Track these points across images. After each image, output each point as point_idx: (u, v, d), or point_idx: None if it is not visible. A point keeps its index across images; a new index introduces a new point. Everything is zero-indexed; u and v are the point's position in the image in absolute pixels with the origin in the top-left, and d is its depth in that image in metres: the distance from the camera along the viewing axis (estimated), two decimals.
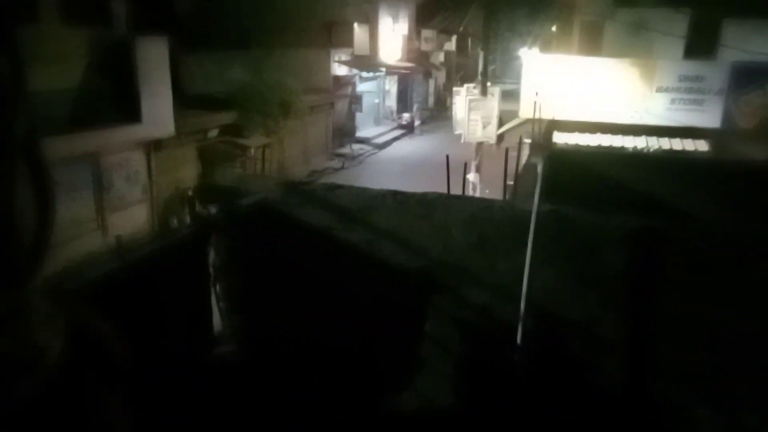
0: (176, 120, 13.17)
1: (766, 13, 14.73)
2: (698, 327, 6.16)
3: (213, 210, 7.04)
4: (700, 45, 15.81)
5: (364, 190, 6.71)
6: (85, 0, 11.58)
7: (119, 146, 12.13)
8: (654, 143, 14.39)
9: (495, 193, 14.33)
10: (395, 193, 6.58)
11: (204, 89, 15.74)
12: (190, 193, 13.80)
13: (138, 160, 12.77)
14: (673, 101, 14.70)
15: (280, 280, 6.24)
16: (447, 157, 12.42)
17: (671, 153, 13.86)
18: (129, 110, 12.08)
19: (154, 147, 13.01)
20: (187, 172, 14.44)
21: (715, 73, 14.48)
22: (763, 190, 9.18)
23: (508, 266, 5.92)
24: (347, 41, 24.97)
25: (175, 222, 13.36)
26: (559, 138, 14.74)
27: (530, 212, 5.41)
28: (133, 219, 12.70)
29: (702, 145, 14.30)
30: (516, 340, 5.81)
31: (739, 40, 14.88)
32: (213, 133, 15.37)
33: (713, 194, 9.13)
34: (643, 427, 6.17)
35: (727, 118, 14.48)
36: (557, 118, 15.09)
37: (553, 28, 26.87)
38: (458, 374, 6.27)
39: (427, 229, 6.22)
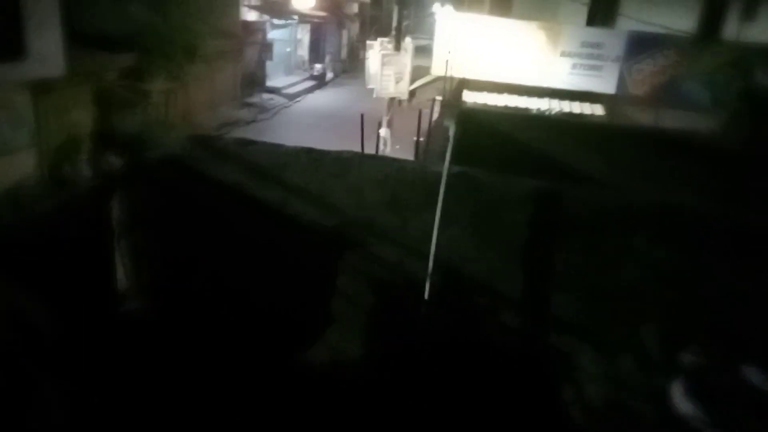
0: (69, 60, 12.06)
1: None
2: (587, 282, 6.70)
3: (114, 160, 6.64)
4: (602, 13, 16.59)
5: (278, 147, 6.59)
6: None
7: None
8: (556, 106, 15.11)
9: (405, 149, 14.54)
10: (310, 151, 6.53)
11: (101, 28, 14.47)
12: (84, 139, 12.82)
13: (23, 102, 11.62)
14: (574, 66, 15.42)
15: (190, 237, 6.06)
16: (362, 116, 12.41)
17: (570, 116, 14.64)
18: (9, 45, 10.90)
19: (43, 88, 11.89)
20: (82, 117, 13.36)
21: (613, 41, 15.30)
22: (648, 153, 10.01)
23: (419, 225, 6.10)
24: None
25: (69, 170, 12.43)
26: (469, 97, 15.10)
27: (440, 174, 5.57)
28: (18, 166, 11.65)
29: (598, 110, 15.22)
30: (424, 295, 6.06)
31: (636, 10, 15.76)
32: (111, 76, 14.25)
33: (606, 156, 9.83)
34: (537, 375, 6.72)
35: (621, 84, 15.43)
36: (468, 77, 15.39)
37: None
38: (368, 328, 6.47)
39: (341, 188, 6.24)
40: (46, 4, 11.45)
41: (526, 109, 14.81)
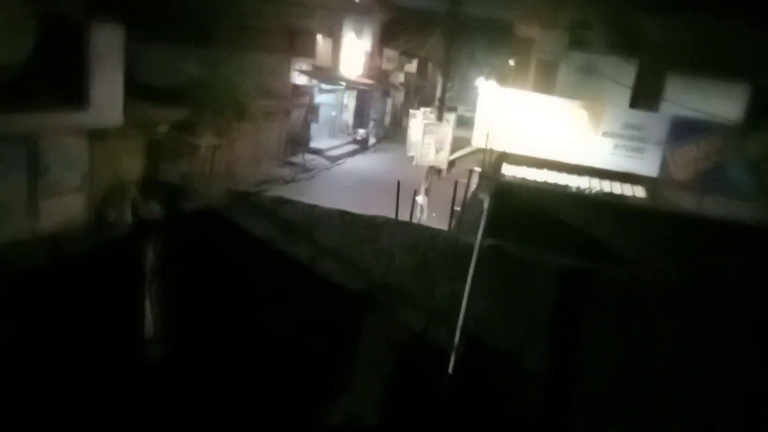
0: (125, 110, 12.72)
1: (704, 72, 15.72)
2: (615, 365, 6.42)
3: (155, 208, 6.85)
4: (645, 96, 16.69)
5: (312, 207, 6.71)
6: None
7: (60, 131, 11.61)
8: (596, 185, 15.00)
9: (442, 217, 14.55)
10: (343, 213, 6.61)
11: (158, 82, 15.31)
12: (131, 187, 13.33)
13: (79, 147, 12.25)
14: (616, 146, 15.42)
15: (218, 288, 6.11)
16: (398, 183, 12.56)
17: (610, 196, 14.48)
18: (76, 95, 11.60)
19: (98, 135, 12.52)
20: (132, 165, 13.94)
21: (656, 124, 15.30)
22: (689, 239, 9.73)
23: (446, 294, 6.01)
24: (310, 51, 24.91)
25: (113, 215, 12.85)
26: (508, 170, 15.16)
27: (472, 245, 5.53)
28: (68, 207, 12.13)
29: (639, 192, 15.03)
30: (447, 366, 5.89)
31: (679, 95, 15.80)
32: (163, 128, 14.92)
33: (645, 239, 9.60)
34: None
35: (663, 167, 15.29)
36: (508, 150, 15.51)
37: (511, 62, 27.69)
38: (388, 397, 6.29)
39: (371, 252, 6.26)
40: (111, 60, 12.24)
41: (566, 186, 14.75)
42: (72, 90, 11.51)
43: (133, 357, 6.34)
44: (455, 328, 5.75)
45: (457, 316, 5.78)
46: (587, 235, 9.72)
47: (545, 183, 14.79)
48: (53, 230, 11.37)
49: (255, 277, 6.35)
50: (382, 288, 6.42)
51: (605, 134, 15.43)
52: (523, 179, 14.83)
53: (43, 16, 11.02)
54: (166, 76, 15.63)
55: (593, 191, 14.68)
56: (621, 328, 6.37)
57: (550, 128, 15.52)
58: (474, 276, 5.72)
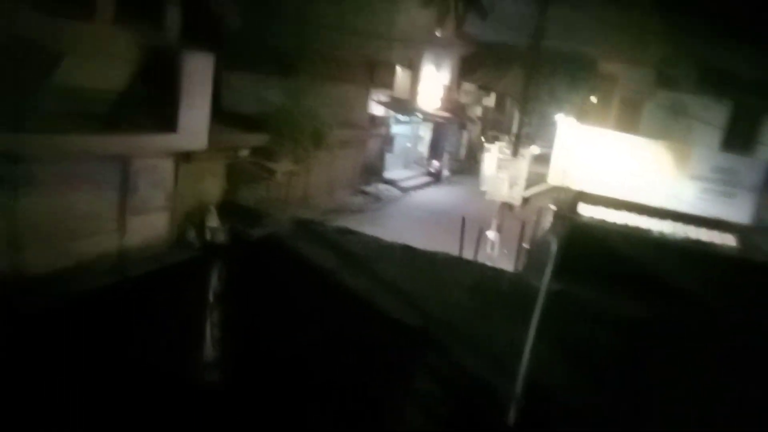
0: (210, 134, 13.35)
1: None
2: (690, 420, 5.90)
3: (225, 231, 7.04)
4: (738, 138, 15.75)
5: (376, 240, 6.69)
6: (142, 5, 11.96)
7: (150, 152, 12.31)
8: (681, 230, 14.18)
9: (513, 254, 14.19)
10: (406, 248, 6.55)
11: (241, 108, 16.00)
12: (211, 208, 13.89)
13: (166, 168, 12.93)
14: (704, 190, 14.57)
15: (277, 316, 6.16)
16: (463, 219, 12.38)
17: (696, 243, 13.61)
18: (166, 119, 12.29)
19: (184, 158, 13.18)
20: (213, 187, 14.56)
21: (751, 168, 14.36)
22: None
23: (507, 338, 5.76)
24: (388, 83, 25.34)
25: (192, 234, 13.40)
26: (585, 210, 14.61)
27: (539, 288, 5.28)
28: (152, 224, 12.77)
29: (730, 239, 14.05)
30: (507, 416, 5.59)
31: None
32: (243, 152, 15.54)
33: (735, 291, 8.88)
34: None
35: (757, 215, 14.26)
36: (585, 189, 15.01)
37: (593, 99, 26.96)
38: None
39: (432, 288, 6.13)
40: (200, 86, 12.94)
41: (647, 230, 14.02)
42: (163, 114, 12.22)
43: (191, 379, 6.46)
44: (516, 375, 5.45)
45: (519, 362, 5.49)
46: (669, 283, 9.12)
47: (624, 225, 14.13)
48: (137, 246, 11.99)
49: (313, 307, 6.36)
50: (441, 326, 6.25)
51: (692, 177, 14.61)
52: (601, 220, 14.24)
53: (142, 46, 11.83)
54: (249, 103, 16.32)
55: (678, 237, 13.87)
56: (698, 387, 5.86)
57: (632, 168, 14.89)
58: (539, 321, 5.43)
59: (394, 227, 15.57)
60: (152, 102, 11.89)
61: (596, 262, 8.49)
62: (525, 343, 5.54)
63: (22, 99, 9.62)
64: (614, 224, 14.04)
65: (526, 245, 13.10)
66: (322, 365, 6.20)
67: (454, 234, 12.94)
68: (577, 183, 14.43)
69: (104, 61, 11.01)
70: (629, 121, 17.57)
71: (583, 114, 23.86)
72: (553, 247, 5.78)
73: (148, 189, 12.53)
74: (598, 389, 5.91)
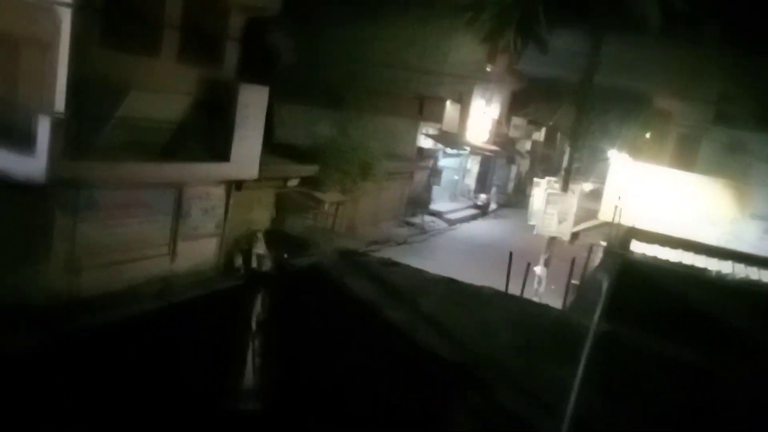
0: (261, 164, 13.69)
1: None
2: None
3: (271, 260, 7.13)
4: None
5: (419, 272, 6.63)
6: (202, 43, 12.52)
7: (203, 180, 12.70)
8: (741, 271, 13.50)
9: (561, 291, 13.82)
10: (450, 281, 6.45)
11: (291, 139, 16.39)
12: (259, 235, 14.16)
13: (218, 196, 13.30)
14: (767, 231, 13.89)
15: (318, 346, 6.14)
16: (510, 254, 12.16)
17: (758, 285, 12.91)
18: (219, 148, 12.69)
19: (235, 186, 13.53)
20: (261, 216, 14.86)
21: None
22: None
23: (552, 379, 5.51)
24: (437, 116, 25.54)
25: (239, 260, 13.67)
26: (637, 247, 14.14)
27: (587, 328, 5.06)
28: (202, 250, 13.10)
29: None
30: None
31: None
32: (292, 183, 15.86)
33: None
34: None
35: None
36: (638, 226, 14.57)
37: (647, 135, 26.35)
38: None
39: (475, 324, 5.99)
40: (253, 118, 13.36)
41: (704, 270, 13.41)
42: (217, 144, 12.63)
43: (231, 407, 6.49)
44: (563, 418, 5.21)
45: (565, 404, 5.25)
46: (729, 327, 8.65)
47: (679, 264, 13.57)
48: (186, 271, 12.30)
49: (354, 339, 6.32)
50: (483, 363, 6.06)
51: (753, 216, 13.97)
52: (654, 257, 13.73)
53: (201, 79, 12.35)
54: (299, 135, 16.72)
55: (737, 277, 13.20)
56: None
57: (688, 206, 14.37)
58: (587, 362, 5.20)
59: (439, 260, 15.45)
60: (208, 132, 12.32)
61: (649, 301, 8.16)
62: (571, 385, 5.29)
63: (89, 130, 10.15)
64: (668, 262, 13.50)
65: (575, 281, 12.73)
66: (360, 398, 6.12)
67: (500, 268, 12.73)
68: (630, 219, 14.02)
69: (165, 94, 11.53)
70: (685, 157, 17.06)
71: (636, 150, 23.31)
72: (604, 284, 5.56)
73: (199, 216, 12.90)
74: None
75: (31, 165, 9.31)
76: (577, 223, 16.00)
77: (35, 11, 10.11)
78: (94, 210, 10.54)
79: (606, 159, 20.98)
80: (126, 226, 11.24)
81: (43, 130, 9.40)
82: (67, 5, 9.32)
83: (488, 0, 17.13)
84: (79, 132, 9.99)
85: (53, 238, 9.91)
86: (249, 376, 6.67)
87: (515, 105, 34.22)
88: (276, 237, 14.11)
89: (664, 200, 14.43)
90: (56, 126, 9.42)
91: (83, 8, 9.75)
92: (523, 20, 16.84)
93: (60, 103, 9.98)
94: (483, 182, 33.14)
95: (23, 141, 9.61)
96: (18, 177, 9.08)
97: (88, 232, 10.42)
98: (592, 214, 16.28)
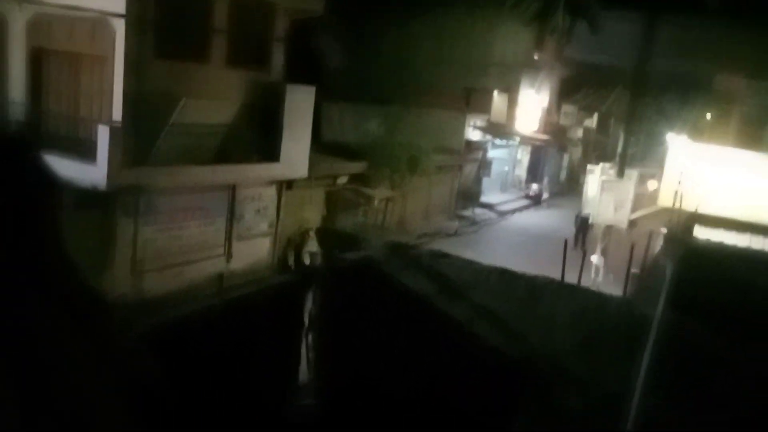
0: (310, 163, 13.86)
1: None
2: None
3: (322, 256, 7.17)
4: None
5: (471, 263, 6.51)
6: (249, 47, 12.78)
7: (255, 181, 12.97)
8: None
9: (620, 280, 13.36)
10: (503, 272, 6.30)
11: (339, 138, 16.52)
12: (311, 233, 14.35)
13: (270, 196, 13.56)
14: None
15: (372, 341, 6.13)
16: (565, 242, 11.82)
17: None
18: (269, 149, 12.93)
19: (286, 186, 13.76)
20: (312, 214, 15.06)
21: None
22: None
23: (616, 374, 5.27)
24: (484, 108, 25.19)
25: (292, 258, 13.91)
26: (701, 233, 13.52)
27: (651, 317, 4.82)
28: (256, 250, 13.39)
29: None
30: None
31: None
32: (342, 180, 15.99)
33: None
34: None
35: None
36: (701, 211, 13.94)
37: (708, 116, 25.20)
38: None
39: (532, 316, 5.82)
40: (301, 118, 13.55)
41: None
42: (267, 145, 12.88)
43: (286, 401, 6.59)
44: (627, 413, 4.97)
45: (630, 399, 5.02)
46: None
47: (748, 249, 12.88)
48: (241, 270, 12.61)
49: (407, 332, 6.27)
50: (542, 358, 5.87)
51: None
52: (720, 243, 13.09)
53: (249, 83, 12.61)
54: (347, 132, 16.83)
55: None
56: None
57: (756, 188, 13.63)
58: (652, 354, 4.94)
59: (490, 251, 15.21)
60: (257, 134, 12.57)
61: (716, 289, 7.76)
62: (637, 378, 5.05)
63: (146, 137, 10.54)
64: (736, 248, 12.85)
65: (635, 270, 12.27)
66: (416, 392, 6.08)
67: (555, 259, 12.40)
68: (692, 204, 13.42)
69: (216, 100, 11.84)
70: (751, 137, 16.19)
71: (696, 132, 22.32)
72: (668, 272, 5.29)
73: (252, 216, 13.19)
74: None
75: (94, 173, 9.76)
76: (634, 210, 15.46)
77: (93, 27, 10.57)
78: (154, 214, 10.95)
79: (663, 143, 20.16)
80: (184, 229, 11.63)
81: (103, 139, 9.83)
82: (121, 16, 9.69)
83: None
84: (137, 140, 10.40)
85: (116, 242, 10.36)
86: (303, 370, 6.75)
87: (565, 92, 33.36)
88: (327, 234, 14.26)
89: (729, 182, 13.75)
90: (114, 135, 9.84)
91: (136, 20, 10.14)
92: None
93: (117, 113, 10.44)
94: (534, 172, 32.46)
95: (86, 151, 10.08)
96: (83, 185, 9.52)
97: (149, 236, 10.84)
98: (650, 200, 15.70)
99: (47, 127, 11.65)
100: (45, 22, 11.17)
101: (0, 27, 11.58)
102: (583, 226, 17.66)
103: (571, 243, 16.96)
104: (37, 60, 11.53)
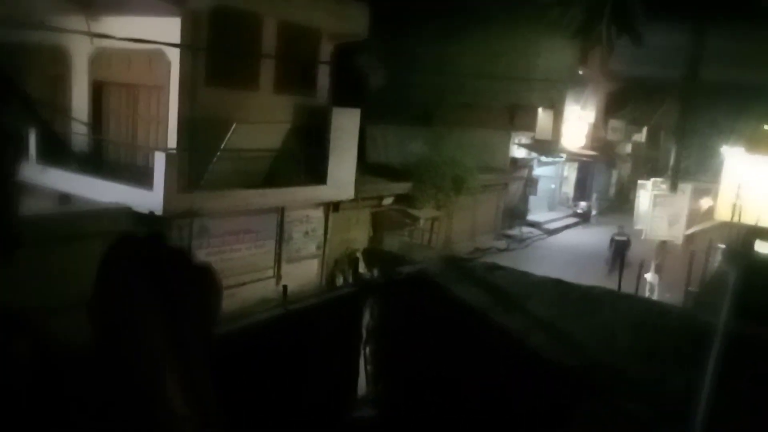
0: (356, 185, 14.03)
1: None
2: None
3: (376, 272, 7.23)
4: None
5: (525, 275, 6.44)
6: (296, 73, 13.14)
7: (302, 204, 13.21)
8: None
9: (676, 298, 12.90)
10: (558, 283, 6.21)
11: (384, 159, 16.69)
12: (358, 254, 14.47)
13: (317, 218, 13.77)
14: None
15: (429, 353, 6.10)
16: (622, 258, 11.54)
17: None
18: (316, 172, 13.17)
19: (333, 208, 13.96)
20: (359, 234, 15.20)
21: None
22: None
23: (680, 385, 5.09)
24: (529, 125, 24.99)
25: (341, 280, 14.04)
26: (762, 248, 12.95)
27: (715, 326, 4.65)
28: (304, 272, 13.59)
29: None
30: None
31: None
32: (387, 201, 16.11)
33: None
34: None
35: None
36: (762, 224, 13.38)
37: (766, 127, 24.26)
38: None
39: (589, 327, 5.70)
40: (347, 140, 13.77)
41: None
42: (314, 167, 13.13)
43: (346, 415, 6.60)
44: (692, 428, 4.80)
45: (694, 412, 4.84)
46: None
47: None
48: (291, 292, 12.80)
49: (463, 344, 6.21)
50: (601, 369, 5.72)
51: None
52: None
53: (296, 107, 12.94)
54: (392, 153, 16.99)
55: None
56: None
57: None
58: (715, 366, 4.76)
59: (538, 269, 14.89)
60: (305, 157, 12.84)
61: None
62: (701, 392, 4.87)
63: (200, 163, 10.93)
64: None
65: (692, 289, 11.84)
66: (472, 403, 5.99)
67: (604, 277, 12.11)
68: (752, 217, 12.89)
69: (265, 124, 12.20)
70: None
71: (753, 144, 21.49)
72: (732, 277, 5.11)
73: (301, 238, 13.41)
74: None
75: (150, 198, 10.15)
76: (689, 225, 14.95)
77: (149, 58, 11.11)
78: (206, 237, 11.28)
79: (717, 156, 19.47)
80: (235, 251, 11.92)
81: (159, 165, 10.24)
82: (175, 46, 10.15)
83: None
84: (190, 165, 10.80)
85: None
86: (362, 383, 6.77)
87: (612, 107, 32.73)
88: (374, 255, 14.34)
89: None
90: (170, 161, 10.24)
91: (189, 50, 10.60)
92: (616, 10, 16.08)
93: (172, 139, 10.89)
94: (582, 189, 31.87)
95: (143, 177, 10.53)
96: (140, 210, 9.92)
97: (202, 258, 11.16)
98: (705, 215, 15.16)
99: (108, 154, 12.26)
100: (105, 56, 11.82)
101: (65, 61, 12.34)
102: (619, 249, 16.78)
103: (605, 269, 16.29)
104: (98, 91, 12.19)
